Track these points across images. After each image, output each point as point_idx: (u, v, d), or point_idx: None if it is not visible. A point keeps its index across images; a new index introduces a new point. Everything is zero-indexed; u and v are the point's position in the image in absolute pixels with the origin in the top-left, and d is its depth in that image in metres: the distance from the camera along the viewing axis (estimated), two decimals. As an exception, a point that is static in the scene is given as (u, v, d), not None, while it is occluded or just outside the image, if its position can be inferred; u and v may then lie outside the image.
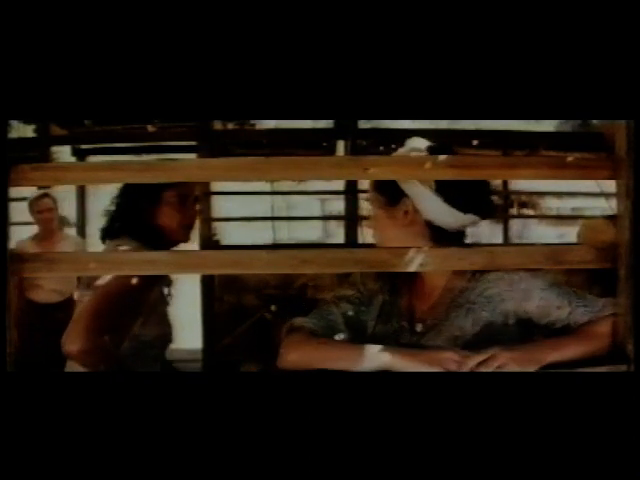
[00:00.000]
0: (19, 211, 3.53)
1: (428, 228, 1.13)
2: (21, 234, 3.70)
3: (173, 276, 1.61)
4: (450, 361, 0.97)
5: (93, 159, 4.96)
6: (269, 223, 6.63)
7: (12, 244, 0.97)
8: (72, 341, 1.30)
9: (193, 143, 4.39)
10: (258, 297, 4.06)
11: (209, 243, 4.13)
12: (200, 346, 4.13)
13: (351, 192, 4.26)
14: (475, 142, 4.48)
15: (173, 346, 1.66)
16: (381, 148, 4.20)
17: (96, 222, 1.83)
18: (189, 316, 4.47)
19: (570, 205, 9.68)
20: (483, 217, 1.14)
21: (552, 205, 9.92)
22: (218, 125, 4.52)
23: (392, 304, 1.19)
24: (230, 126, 4.88)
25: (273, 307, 3.98)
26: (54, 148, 4.81)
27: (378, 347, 1.02)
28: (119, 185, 1.59)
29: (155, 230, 1.55)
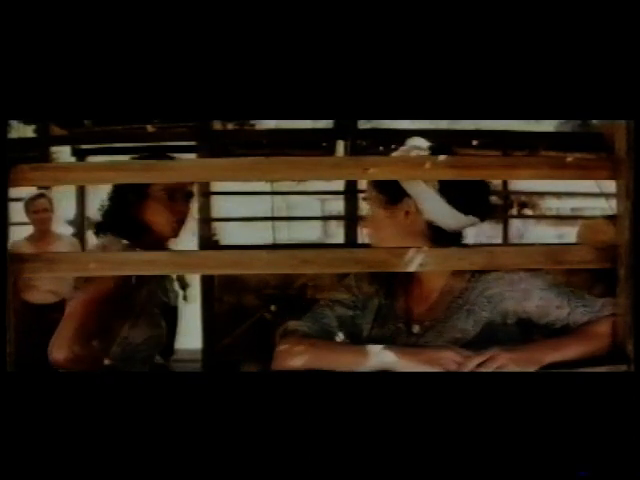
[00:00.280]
0: (15, 211, 3.52)
1: (428, 228, 1.12)
2: (16, 235, 3.69)
3: (189, 279, 1.57)
4: (450, 361, 0.97)
5: (93, 159, 4.95)
6: (269, 223, 6.62)
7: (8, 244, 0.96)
8: (58, 349, 1.27)
9: (193, 143, 4.39)
10: (258, 297, 4.06)
11: (209, 243, 4.14)
12: (200, 346, 4.14)
13: (351, 192, 4.26)
14: (475, 142, 4.48)
15: (172, 346, 1.63)
16: (381, 148, 4.20)
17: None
18: (189, 316, 4.48)
19: (570, 205, 9.68)
20: (482, 219, 1.15)
21: (552, 205, 9.92)
22: (218, 125, 4.52)
23: (388, 307, 1.18)
24: (230, 126, 4.87)
25: (273, 307, 3.99)
26: (54, 148, 4.81)
27: (376, 347, 1.02)
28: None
29: (142, 226, 1.50)
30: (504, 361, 0.96)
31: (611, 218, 1.09)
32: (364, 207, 1.27)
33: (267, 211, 6.20)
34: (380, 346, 1.02)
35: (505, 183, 4.84)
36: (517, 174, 1.03)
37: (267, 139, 4.80)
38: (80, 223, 4.74)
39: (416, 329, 1.14)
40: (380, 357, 1.00)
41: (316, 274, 3.49)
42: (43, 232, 3.64)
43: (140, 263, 1.00)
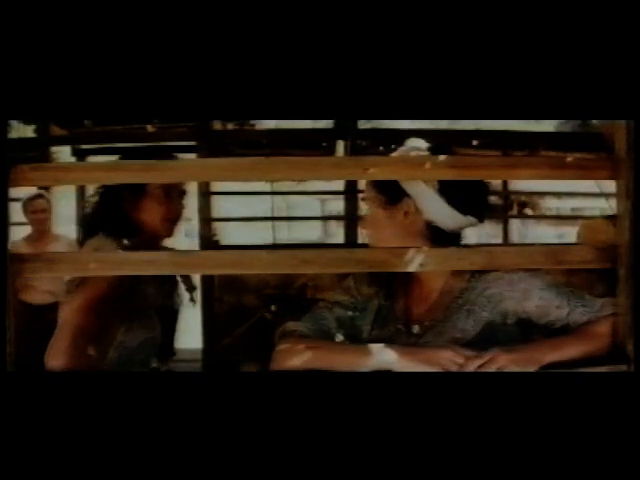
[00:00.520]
0: (13, 211, 3.52)
1: (427, 228, 1.13)
2: (14, 235, 3.68)
3: (195, 282, 1.54)
4: (450, 362, 0.97)
5: (93, 159, 4.95)
6: (269, 223, 6.63)
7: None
8: (55, 360, 1.25)
9: (193, 143, 4.39)
10: (258, 297, 4.07)
11: (209, 243, 4.14)
12: (200, 346, 4.14)
13: (351, 192, 4.26)
14: (475, 142, 4.48)
15: (172, 348, 1.61)
16: (381, 148, 4.20)
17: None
18: (189, 316, 4.48)
19: (570, 205, 9.68)
20: (481, 219, 1.15)
21: (552, 205, 9.92)
22: (218, 125, 4.53)
23: (388, 308, 1.18)
24: (230, 126, 4.88)
25: (273, 307, 3.99)
26: (54, 148, 4.81)
27: (376, 347, 1.02)
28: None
29: (132, 225, 1.45)
30: (504, 362, 0.96)
31: (611, 218, 1.09)
32: (363, 207, 1.27)
33: (267, 211, 6.21)
34: (380, 346, 1.02)
35: (505, 183, 4.84)
36: (517, 174, 1.03)
37: (267, 139, 4.80)
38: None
39: (416, 329, 1.14)
40: (380, 357, 1.00)
41: (316, 274, 3.49)
42: (41, 232, 3.64)
43: (140, 263, 1.00)
